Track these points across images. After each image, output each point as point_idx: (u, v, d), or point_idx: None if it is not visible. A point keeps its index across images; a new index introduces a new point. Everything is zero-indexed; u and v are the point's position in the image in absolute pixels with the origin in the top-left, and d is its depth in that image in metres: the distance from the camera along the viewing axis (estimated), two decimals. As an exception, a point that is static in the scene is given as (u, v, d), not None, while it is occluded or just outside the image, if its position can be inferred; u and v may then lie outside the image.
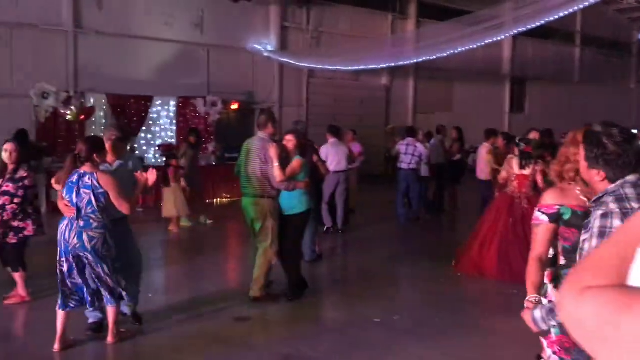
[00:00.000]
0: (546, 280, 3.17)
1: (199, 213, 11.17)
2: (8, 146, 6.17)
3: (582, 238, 2.60)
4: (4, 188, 6.09)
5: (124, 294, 5.20)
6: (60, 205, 5.07)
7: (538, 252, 3.05)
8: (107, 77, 13.76)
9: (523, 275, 7.72)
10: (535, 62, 24.23)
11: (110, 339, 5.19)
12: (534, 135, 8.56)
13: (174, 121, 14.66)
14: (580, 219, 2.81)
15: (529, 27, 12.46)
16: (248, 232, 7.02)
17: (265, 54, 16.85)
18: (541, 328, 2.72)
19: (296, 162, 6.46)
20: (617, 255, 1.02)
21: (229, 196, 14.25)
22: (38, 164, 10.99)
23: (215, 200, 14.03)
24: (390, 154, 15.56)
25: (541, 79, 24.71)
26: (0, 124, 11.36)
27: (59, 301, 5.04)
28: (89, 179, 4.91)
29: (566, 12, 11.41)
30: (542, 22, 11.91)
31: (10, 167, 6.14)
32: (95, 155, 4.99)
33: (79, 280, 4.97)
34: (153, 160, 13.86)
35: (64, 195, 5.00)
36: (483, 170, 11.03)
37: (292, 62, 16.71)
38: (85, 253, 4.90)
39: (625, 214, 2.39)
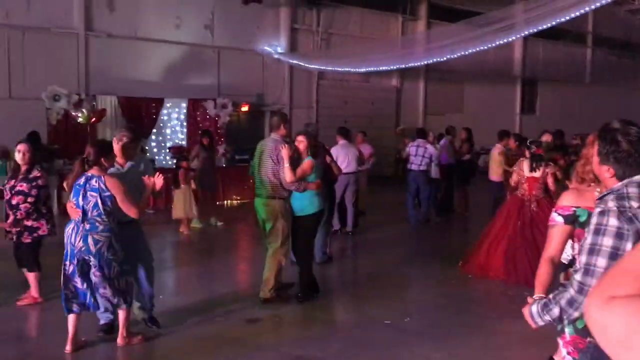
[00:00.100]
0: (563, 281, 3.17)
1: (209, 215, 11.21)
2: (21, 147, 6.23)
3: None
4: (17, 188, 6.15)
5: (132, 296, 5.19)
6: (67, 207, 5.10)
7: (551, 253, 3.04)
8: (118, 79, 13.83)
9: (527, 277, 7.77)
10: (547, 63, 24.14)
11: (119, 341, 5.20)
12: (546, 138, 8.53)
13: (184, 123, 14.71)
14: None
15: (540, 28, 12.39)
16: (259, 234, 7.05)
17: (275, 56, 16.87)
18: (537, 323, 2.74)
19: (307, 163, 6.47)
20: None
21: (239, 198, 14.28)
22: (49, 166, 11.07)
23: (225, 202, 14.06)
24: (400, 156, 15.53)
25: (552, 80, 24.59)
26: (12, 127, 11.46)
27: (62, 304, 5.05)
28: (96, 182, 4.92)
29: (577, 13, 11.34)
30: (553, 23, 11.84)
31: (23, 167, 6.20)
32: (103, 159, 5.01)
33: (81, 285, 4.95)
34: (164, 163, 13.91)
35: (70, 197, 5.03)
36: (495, 171, 11.01)
37: (302, 63, 16.72)
38: (90, 256, 4.90)
39: (622, 212, 2.40)
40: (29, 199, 6.14)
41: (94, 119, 12.88)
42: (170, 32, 15.15)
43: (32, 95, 12.64)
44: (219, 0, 15.88)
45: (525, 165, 7.76)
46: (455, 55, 14.24)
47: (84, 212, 4.92)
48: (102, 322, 5.49)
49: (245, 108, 15.89)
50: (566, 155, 8.37)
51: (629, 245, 2.39)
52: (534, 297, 2.91)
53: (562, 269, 3.70)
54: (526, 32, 13.80)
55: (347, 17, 18.90)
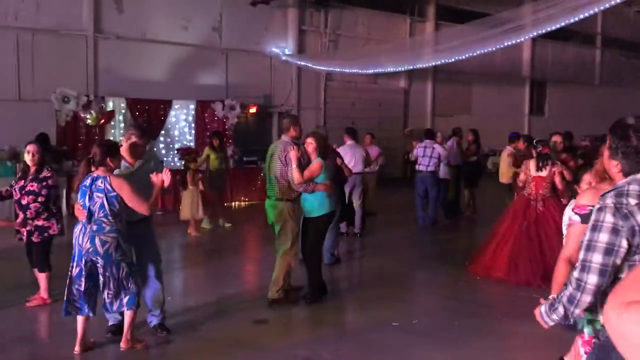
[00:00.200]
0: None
1: (218, 216, 11.25)
2: (30, 148, 6.26)
3: None
4: (28, 188, 6.19)
5: (139, 298, 5.15)
6: (75, 208, 5.11)
7: (568, 253, 3.04)
8: (126, 81, 13.88)
9: (528, 278, 7.74)
10: (555, 64, 24.07)
11: (123, 344, 5.12)
12: (556, 139, 8.50)
13: (193, 125, 14.74)
14: None
15: (549, 29, 12.34)
16: (266, 235, 7.06)
17: (283, 57, 16.88)
18: (548, 323, 2.74)
19: (316, 164, 6.49)
20: None
21: (246, 199, 14.30)
22: (58, 167, 11.13)
23: (233, 203, 14.08)
24: (409, 158, 15.52)
25: (561, 81, 24.51)
26: (22, 128, 11.53)
27: (63, 305, 5.03)
28: (101, 182, 4.90)
29: (586, 14, 11.29)
30: (562, 24, 11.79)
31: (33, 168, 6.24)
32: (109, 159, 4.98)
33: (83, 288, 4.93)
34: (171, 164, 13.94)
35: (78, 198, 5.03)
36: (504, 174, 10.98)
37: (310, 65, 16.72)
38: (98, 257, 4.89)
39: (618, 209, 2.42)
40: (40, 199, 6.18)
41: (102, 121, 12.93)
42: (179, 33, 15.19)
43: (41, 97, 12.70)
44: (226, 1, 15.91)
45: (531, 164, 7.75)
46: (463, 57, 14.20)
47: (91, 213, 4.91)
48: (110, 323, 5.50)
49: (253, 110, 15.90)
50: (575, 157, 8.34)
51: (624, 242, 2.41)
52: (549, 297, 2.91)
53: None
54: (535, 33, 13.75)
55: (355, 19, 18.90)
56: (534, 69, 23.85)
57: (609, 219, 2.43)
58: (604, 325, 2.58)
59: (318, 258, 6.89)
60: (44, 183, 6.21)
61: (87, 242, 4.89)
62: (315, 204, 6.57)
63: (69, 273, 5.01)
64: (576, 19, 11.43)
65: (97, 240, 4.87)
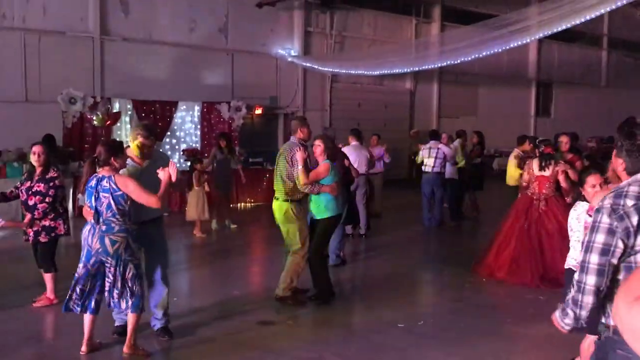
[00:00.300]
0: None
1: (224, 217, 11.27)
2: (36, 149, 6.28)
3: None
4: (35, 188, 6.22)
5: (143, 302, 5.11)
6: (83, 209, 5.11)
7: None
8: (132, 82, 13.92)
9: (527, 278, 7.72)
10: (562, 65, 24.01)
11: (125, 349, 5.05)
12: (562, 139, 8.49)
13: (199, 126, 14.77)
14: None
15: (555, 30, 12.30)
16: (272, 237, 7.06)
17: (289, 59, 16.90)
18: (564, 328, 2.75)
19: (323, 166, 6.52)
20: None
21: (252, 201, 14.31)
22: (65, 168, 11.16)
23: (239, 204, 14.10)
24: (415, 159, 15.51)
25: (567, 83, 24.45)
26: (28, 130, 11.58)
27: (65, 301, 5.02)
28: (106, 182, 4.88)
29: (593, 15, 11.25)
30: (569, 25, 11.75)
31: (39, 169, 6.26)
32: (113, 158, 4.96)
33: (85, 288, 4.94)
34: (177, 165, 13.93)
35: (84, 199, 5.03)
36: (512, 176, 10.94)
37: (316, 66, 16.73)
38: (108, 257, 4.89)
39: (614, 210, 2.45)
40: (47, 199, 6.20)
41: (109, 122, 12.96)
42: (185, 35, 15.23)
43: (48, 99, 12.74)
44: (232, 3, 15.93)
45: (535, 164, 7.75)
46: (469, 58, 14.18)
47: (99, 214, 4.90)
48: (117, 323, 5.51)
49: (259, 111, 15.92)
50: (581, 158, 8.33)
51: (619, 243, 2.44)
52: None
53: None
54: (541, 35, 13.71)
55: (361, 20, 18.90)
56: (540, 70, 23.80)
57: (605, 219, 2.46)
58: (603, 324, 2.58)
59: (323, 259, 6.90)
60: (51, 183, 6.24)
61: (96, 243, 4.88)
62: (321, 207, 6.59)
63: (76, 272, 5.02)
64: (582, 20, 11.39)
65: (106, 240, 4.86)
